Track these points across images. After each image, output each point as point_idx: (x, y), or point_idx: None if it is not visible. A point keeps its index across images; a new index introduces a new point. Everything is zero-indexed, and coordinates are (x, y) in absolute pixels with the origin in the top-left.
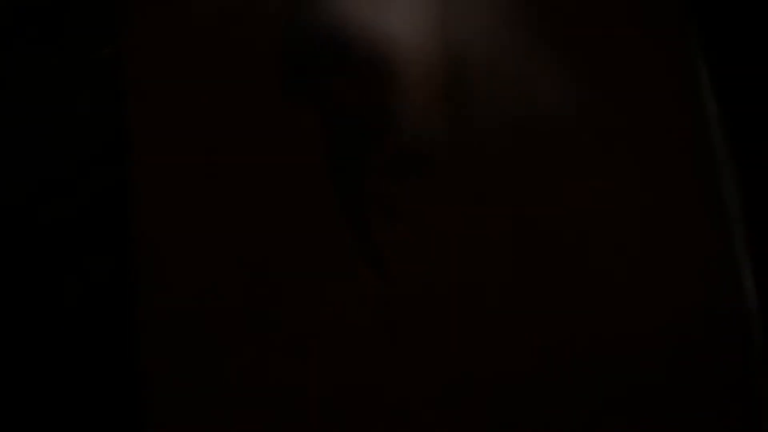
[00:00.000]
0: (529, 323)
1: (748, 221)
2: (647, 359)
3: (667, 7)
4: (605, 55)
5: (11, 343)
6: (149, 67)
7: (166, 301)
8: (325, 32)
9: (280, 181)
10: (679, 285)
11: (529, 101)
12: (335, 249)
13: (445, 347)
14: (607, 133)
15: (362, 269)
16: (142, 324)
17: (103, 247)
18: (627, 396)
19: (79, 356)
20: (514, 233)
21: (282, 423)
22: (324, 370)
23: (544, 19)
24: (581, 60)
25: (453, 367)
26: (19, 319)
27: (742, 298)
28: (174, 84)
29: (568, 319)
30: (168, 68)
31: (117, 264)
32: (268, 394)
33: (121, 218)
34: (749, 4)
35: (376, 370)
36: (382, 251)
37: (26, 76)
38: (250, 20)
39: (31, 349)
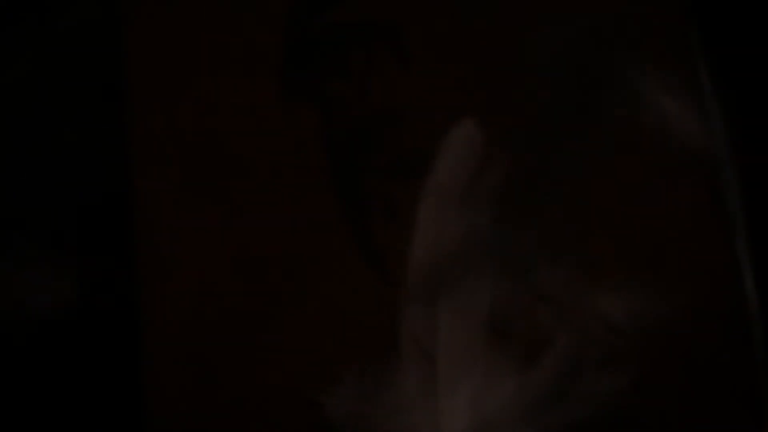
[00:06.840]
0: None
1: (748, 222)
2: (647, 359)
3: (668, 8)
4: None
5: (11, 345)
6: (149, 67)
7: (166, 302)
8: (326, 32)
9: (280, 181)
10: (680, 285)
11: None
12: (335, 249)
13: None
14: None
15: (362, 269)
16: (142, 325)
17: (103, 248)
18: (627, 395)
19: (79, 358)
20: None
21: (282, 423)
22: (324, 370)
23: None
24: None
25: None
26: (19, 322)
27: (743, 299)
28: (174, 84)
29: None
30: (168, 68)
31: (118, 266)
32: (268, 395)
33: (122, 219)
34: (749, 3)
35: (375, 368)
36: (382, 251)
37: (26, 77)
38: (250, 20)
39: (31, 352)
